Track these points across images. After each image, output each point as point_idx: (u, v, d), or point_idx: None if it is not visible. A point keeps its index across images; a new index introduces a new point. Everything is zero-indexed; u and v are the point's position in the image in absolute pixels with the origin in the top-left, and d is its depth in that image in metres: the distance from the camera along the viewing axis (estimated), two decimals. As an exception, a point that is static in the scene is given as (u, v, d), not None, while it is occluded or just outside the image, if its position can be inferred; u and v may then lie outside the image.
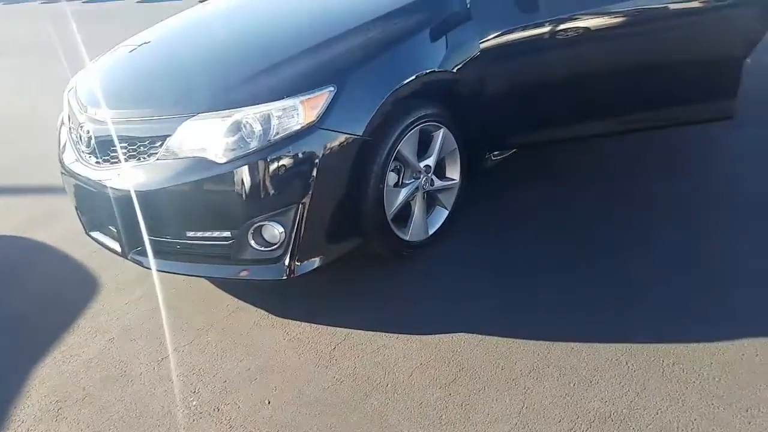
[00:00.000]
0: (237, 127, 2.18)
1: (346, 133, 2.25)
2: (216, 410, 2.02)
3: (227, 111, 2.20)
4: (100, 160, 2.42)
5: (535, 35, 2.66)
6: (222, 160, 2.17)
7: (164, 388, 2.14)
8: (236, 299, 2.54)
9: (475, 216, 2.90)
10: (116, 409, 2.07)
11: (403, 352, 2.16)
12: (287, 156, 2.17)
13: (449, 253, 2.68)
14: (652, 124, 3.05)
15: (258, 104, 2.19)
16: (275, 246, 2.26)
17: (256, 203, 2.21)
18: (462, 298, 2.40)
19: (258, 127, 2.17)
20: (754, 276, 2.33)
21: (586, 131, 2.98)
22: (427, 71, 2.49)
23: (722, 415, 1.78)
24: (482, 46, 2.62)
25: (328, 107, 2.21)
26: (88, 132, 2.46)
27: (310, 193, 2.21)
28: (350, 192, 2.33)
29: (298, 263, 2.29)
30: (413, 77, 2.42)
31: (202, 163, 2.19)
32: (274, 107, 2.18)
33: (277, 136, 2.17)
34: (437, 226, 2.70)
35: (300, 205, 2.21)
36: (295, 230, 2.23)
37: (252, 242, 2.26)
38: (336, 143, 2.24)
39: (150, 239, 2.36)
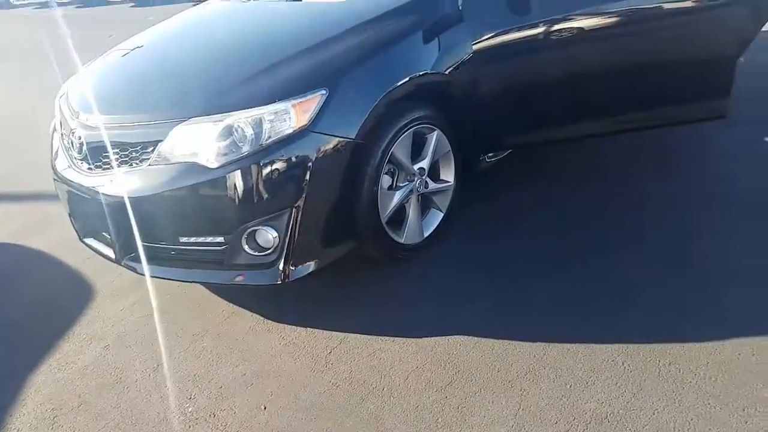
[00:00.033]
0: (228, 131, 2.17)
1: (338, 137, 2.25)
2: (212, 416, 2.01)
3: (219, 115, 2.19)
4: (92, 167, 2.41)
5: (527, 36, 2.67)
6: (214, 165, 2.16)
7: (160, 395, 2.13)
8: (231, 304, 2.53)
9: (470, 218, 2.91)
10: (112, 417, 2.05)
11: (399, 355, 2.16)
12: (280, 160, 2.16)
13: (444, 255, 2.68)
14: (645, 124, 3.06)
15: (249, 108, 2.18)
16: (269, 251, 2.26)
17: (249, 208, 2.20)
18: (457, 300, 2.40)
19: (250, 132, 2.16)
20: (748, 275, 2.34)
21: (580, 131, 2.99)
22: (420, 73, 2.49)
23: (719, 414, 1.78)
24: (475, 47, 2.62)
25: (320, 110, 2.21)
26: (80, 138, 2.46)
27: (304, 197, 2.20)
28: (344, 195, 2.32)
29: (293, 268, 2.28)
30: (406, 79, 2.42)
31: (194, 168, 2.18)
32: (265, 111, 2.17)
33: (269, 140, 2.16)
34: (432, 228, 2.70)
35: (293, 210, 2.20)
36: (288, 235, 2.22)
37: (246, 247, 2.26)
38: (329, 146, 2.23)
39: (143, 245, 2.34)
